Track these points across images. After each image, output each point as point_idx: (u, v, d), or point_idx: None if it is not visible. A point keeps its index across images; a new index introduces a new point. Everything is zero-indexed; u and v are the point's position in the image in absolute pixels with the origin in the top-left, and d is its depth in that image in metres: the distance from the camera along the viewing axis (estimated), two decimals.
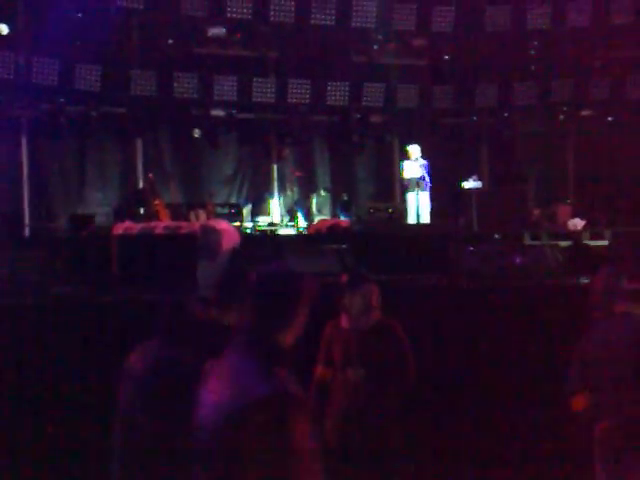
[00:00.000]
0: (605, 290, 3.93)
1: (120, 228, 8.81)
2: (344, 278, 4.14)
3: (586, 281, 5.51)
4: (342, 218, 11.85)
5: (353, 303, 3.92)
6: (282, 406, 2.00)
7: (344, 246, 7.12)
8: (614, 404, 3.52)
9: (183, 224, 9.17)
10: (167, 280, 6.28)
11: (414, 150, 11.36)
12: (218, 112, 12.44)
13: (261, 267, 2.23)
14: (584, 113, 13.40)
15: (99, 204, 12.18)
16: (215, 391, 2.11)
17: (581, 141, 13.95)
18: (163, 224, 9.33)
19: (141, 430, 3.15)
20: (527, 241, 9.37)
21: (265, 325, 2.12)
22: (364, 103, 12.82)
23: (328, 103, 12.67)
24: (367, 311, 3.92)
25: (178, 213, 11.10)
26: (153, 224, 9.34)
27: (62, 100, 11.44)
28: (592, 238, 9.69)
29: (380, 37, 12.83)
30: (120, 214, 11.04)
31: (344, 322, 4.01)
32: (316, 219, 11.89)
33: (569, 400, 3.71)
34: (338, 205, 12.73)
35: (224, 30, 12.24)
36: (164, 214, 10.75)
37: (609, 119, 13.33)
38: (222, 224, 8.65)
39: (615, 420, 3.51)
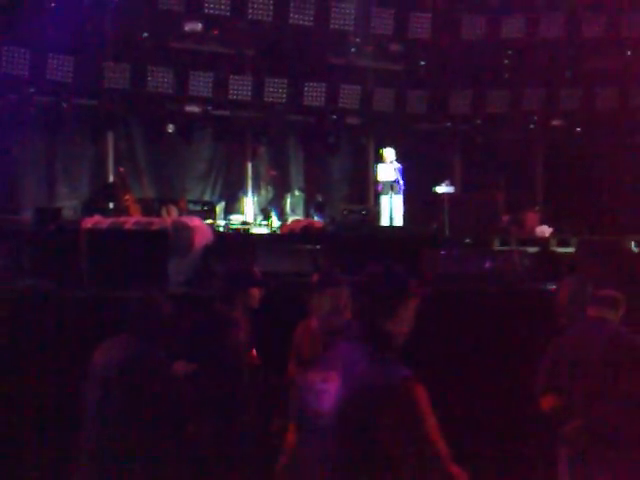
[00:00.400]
0: (571, 297, 4.02)
1: (89, 222, 8.68)
2: (314, 278, 4.10)
3: (553, 286, 5.60)
4: (316, 219, 11.86)
5: (321, 304, 3.87)
6: (408, 387, 2.28)
7: (318, 247, 7.12)
8: (583, 405, 3.57)
9: (154, 220, 9.07)
10: (137, 276, 6.23)
11: (389, 153, 11.43)
12: (193, 108, 12.34)
13: (371, 267, 2.46)
14: (554, 123, 13.61)
15: (68, 197, 11.98)
16: (331, 379, 2.32)
17: (551, 150, 14.19)
18: (134, 219, 9.21)
19: (113, 427, 3.10)
20: (497, 246, 9.49)
21: (377, 318, 2.39)
22: (340, 105, 12.84)
23: (304, 103, 12.68)
24: (336, 313, 3.84)
25: (149, 209, 10.97)
26: (123, 219, 9.22)
27: (32, 90, 11.24)
28: (559, 245, 9.84)
29: (358, 40, 12.88)
30: (89, 208, 10.88)
31: (313, 323, 3.96)
32: (290, 219, 11.87)
33: (539, 400, 3.76)
34: (312, 206, 12.74)
35: (200, 25, 12.15)
36: (135, 209, 10.63)
37: (578, 130, 13.56)
38: (195, 221, 8.61)
39: (584, 421, 3.56)
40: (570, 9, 13.06)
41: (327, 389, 2.31)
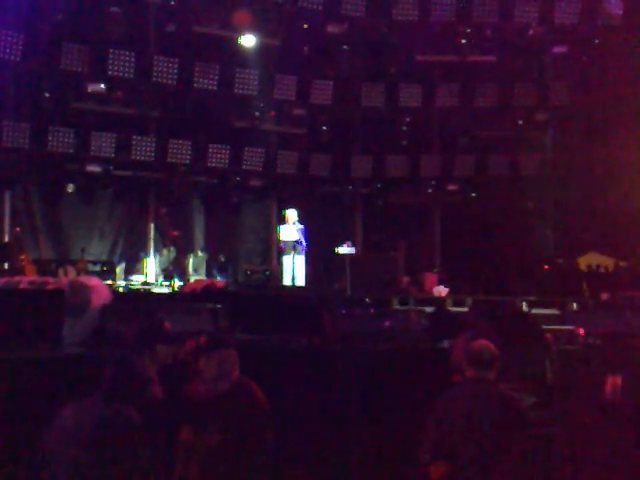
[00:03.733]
0: (463, 355, 4.13)
1: None
2: (202, 340, 4.00)
3: (447, 345, 5.78)
4: (218, 279, 11.81)
5: (208, 368, 3.75)
6: None
7: (218, 306, 7.11)
8: (476, 472, 3.53)
9: (50, 280, 8.77)
10: (30, 336, 5.99)
11: (291, 214, 11.63)
12: (94, 168, 12.20)
13: None
14: (450, 187, 14.29)
15: None
16: None
17: (447, 213, 14.84)
18: (28, 279, 8.90)
19: None
20: (396, 306, 9.73)
21: None
22: (244, 167, 13.04)
23: (208, 165, 12.78)
24: (222, 377, 3.74)
25: (46, 269, 10.65)
26: (17, 279, 8.88)
27: None
28: (455, 305, 10.20)
29: (261, 104, 13.20)
30: None
31: (200, 385, 3.83)
32: (192, 279, 11.78)
33: (426, 468, 3.67)
34: (214, 266, 12.71)
35: (103, 86, 12.12)
36: (30, 269, 10.29)
37: (473, 195, 14.29)
38: (92, 280, 8.38)
39: None
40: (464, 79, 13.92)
41: None
